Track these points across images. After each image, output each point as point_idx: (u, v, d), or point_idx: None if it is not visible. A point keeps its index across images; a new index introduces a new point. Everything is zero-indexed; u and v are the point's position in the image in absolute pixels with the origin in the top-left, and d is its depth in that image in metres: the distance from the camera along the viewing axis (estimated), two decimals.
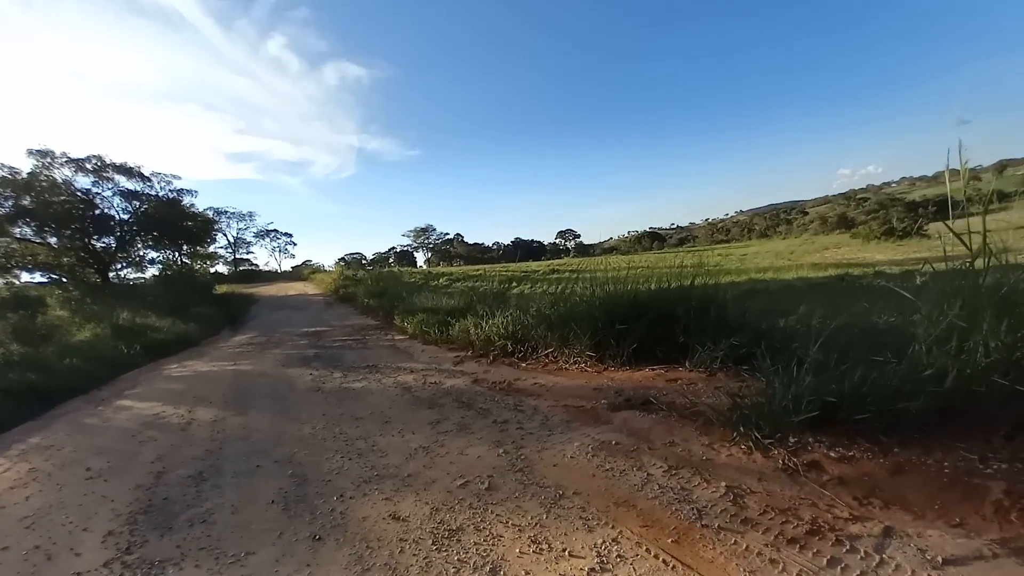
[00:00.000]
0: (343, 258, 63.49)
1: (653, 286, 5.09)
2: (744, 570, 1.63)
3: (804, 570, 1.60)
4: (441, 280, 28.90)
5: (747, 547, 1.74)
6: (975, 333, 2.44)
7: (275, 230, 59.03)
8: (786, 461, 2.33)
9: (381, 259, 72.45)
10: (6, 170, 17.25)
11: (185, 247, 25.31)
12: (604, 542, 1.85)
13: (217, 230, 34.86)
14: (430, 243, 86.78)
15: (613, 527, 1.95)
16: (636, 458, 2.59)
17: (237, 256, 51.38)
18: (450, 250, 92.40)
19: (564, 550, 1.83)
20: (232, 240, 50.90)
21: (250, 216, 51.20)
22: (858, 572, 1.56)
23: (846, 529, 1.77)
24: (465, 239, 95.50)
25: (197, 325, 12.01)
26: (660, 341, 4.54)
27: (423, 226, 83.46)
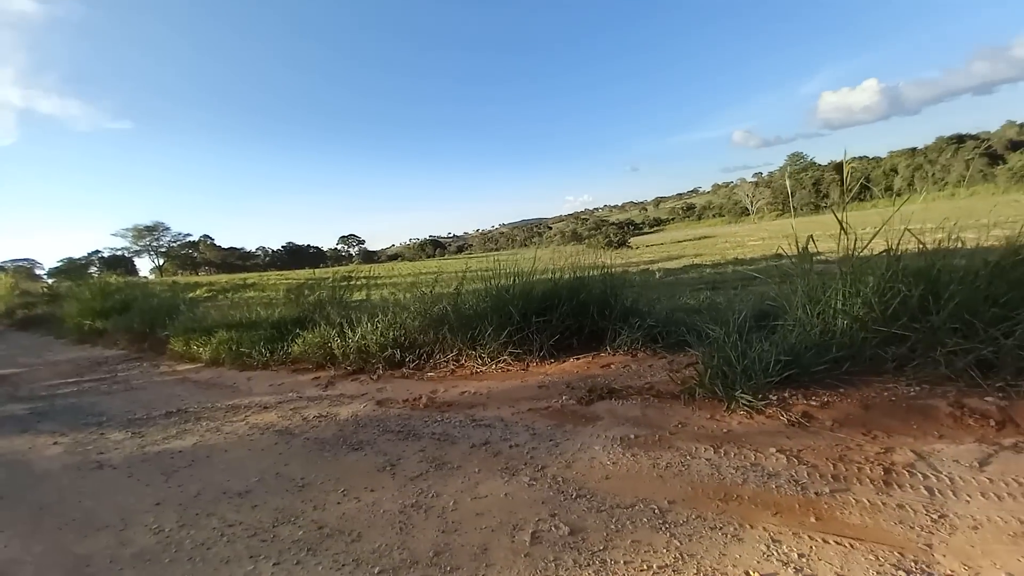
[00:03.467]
0: (1, 266, 42.11)
1: (539, 278, 5.11)
2: (896, 521, 1.68)
3: (912, 501, 1.77)
4: (199, 292, 22.55)
5: (864, 500, 1.82)
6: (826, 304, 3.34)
7: None
8: (788, 417, 2.61)
9: (76, 267, 51.63)
10: None
11: None
12: (769, 548, 1.62)
13: None
14: (161, 246, 66.84)
15: (751, 527, 1.74)
16: (671, 446, 2.45)
17: None
18: (194, 255, 73.68)
19: (748, 573, 1.51)
20: None
21: None
22: (941, 488, 1.82)
23: (892, 459, 2.07)
24: (216, 242, 77.81)
25: None
26: (573, 332, 4.57)
27: (149, 224, 63.48)
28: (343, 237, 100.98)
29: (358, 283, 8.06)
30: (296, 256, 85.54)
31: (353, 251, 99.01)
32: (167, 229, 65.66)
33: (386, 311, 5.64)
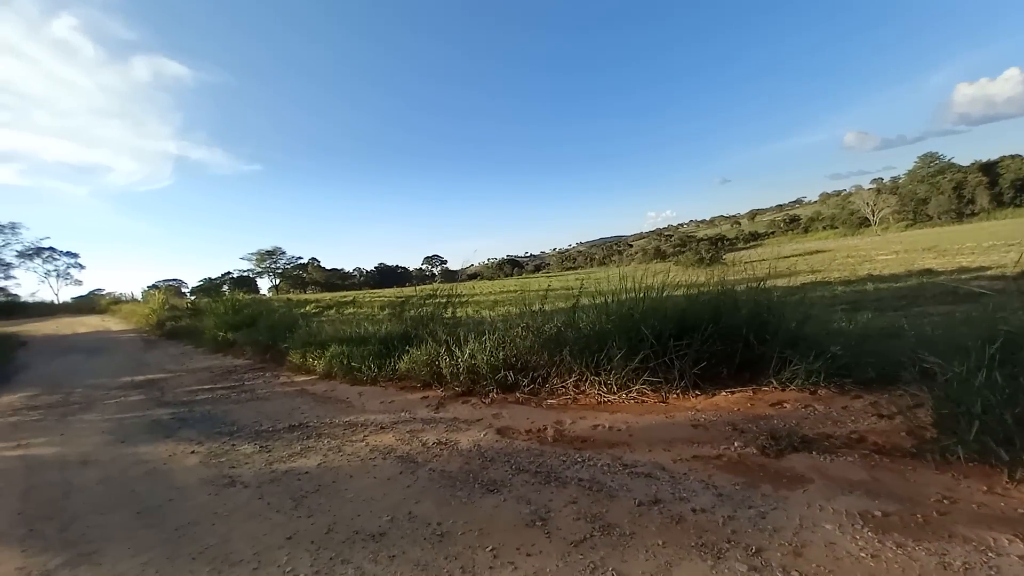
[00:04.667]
0: (155, 285, 50.59)
1: (687, 295, 4.41)
2: None
3: None
4: (309, 308, 24.79)
5: None
6: None
7: (51, 248, 44.09)
8: None
9: (212, 286, 60.28)
10: None
11: None
12: None
13: None
14: (278, 268, 75.92)
15: None
16: (951, 534, 1.68)
17: None
18: (304, 276, 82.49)
19: None
20: None
21: (11, 228, 36.99)
22: None
23: None
24: (321, 263, 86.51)
25: None
26: (720, 359, 3.83)
27: (269, 248, 72.63)
28: (427, 258, 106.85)
29: (456, 300, 7.95)
30: (386, 276, 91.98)
31: (436, 270, 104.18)
32: (283, 253, 74.83)
33: (494, 329, 5.33)
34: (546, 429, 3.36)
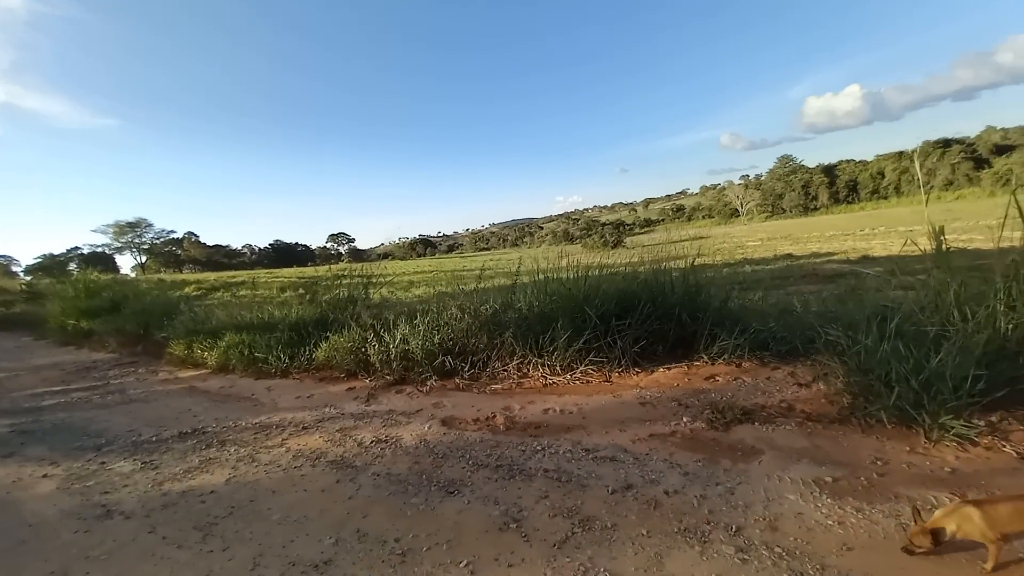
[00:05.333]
0: None
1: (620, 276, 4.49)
2: None
3: None
4: (189, 290, 21.47)
5: None
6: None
7: None
8: (1016, 449, 2.04)
9: (55, 264, 49.66)
10: None
11: None
12: None
13: None
14: (143, 243, 64.64)
15: None
16: (896, 494, 1.85)
17: None
18: (178, 253, 71.60)
19: None
20: None
21: None
22: None
23: None
24: (201, 239, 75.68)
25: None
26: (656, 337, 3.97)
27: (131, 220, 61.32)
28: (332, 235, 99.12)
29: (376, 280, 7.31)
30: (284, 254, 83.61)
31: (343, 249, 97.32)
32: (150, 226, 63.44)
33: (426, 311, 4.96)
34: (495, 417, 3.18)
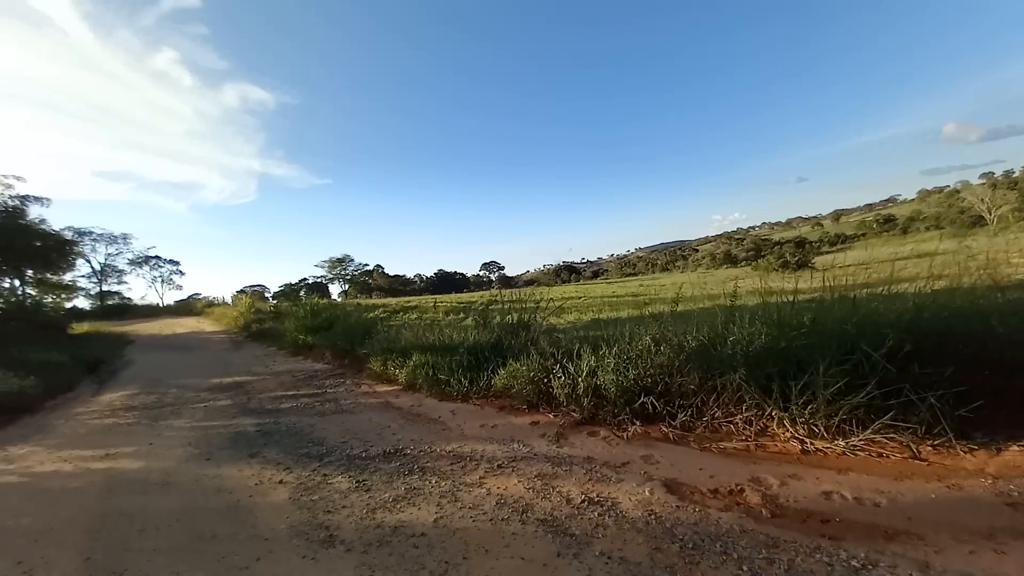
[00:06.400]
0: (243, 290, 55.05)
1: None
2: None
3: None
4: (377, 312, 25.26)
5: None
6: None
7: (157, 257, 49.30)
8: None
9: (291, 291, 64.51)
10: None
11: (30, 274, 18.68)
12: None
13: (77, 254, 27.00)
14: (347, 274, 80.00)
15: None
16: None
17: (104, 288, 41.19)
18: (369, 282, 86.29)
19: None
20: (99, 268, 40.81)
21: (123, 239, 41.64)
22: None
23: None
24: (385, 270, 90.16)
25: (39, 379, 7.62)
26: (982, 392, 2.61)
27: (339, 256, 76.81)
28: (485, 264, 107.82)
29: (547, 306, 7.06)
30: (445, 282, 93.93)
31: (493, 276, 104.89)
32: (352, 260, 78.78)
33: (611, 341, 4.38)
34: (743, 491, 2.36)
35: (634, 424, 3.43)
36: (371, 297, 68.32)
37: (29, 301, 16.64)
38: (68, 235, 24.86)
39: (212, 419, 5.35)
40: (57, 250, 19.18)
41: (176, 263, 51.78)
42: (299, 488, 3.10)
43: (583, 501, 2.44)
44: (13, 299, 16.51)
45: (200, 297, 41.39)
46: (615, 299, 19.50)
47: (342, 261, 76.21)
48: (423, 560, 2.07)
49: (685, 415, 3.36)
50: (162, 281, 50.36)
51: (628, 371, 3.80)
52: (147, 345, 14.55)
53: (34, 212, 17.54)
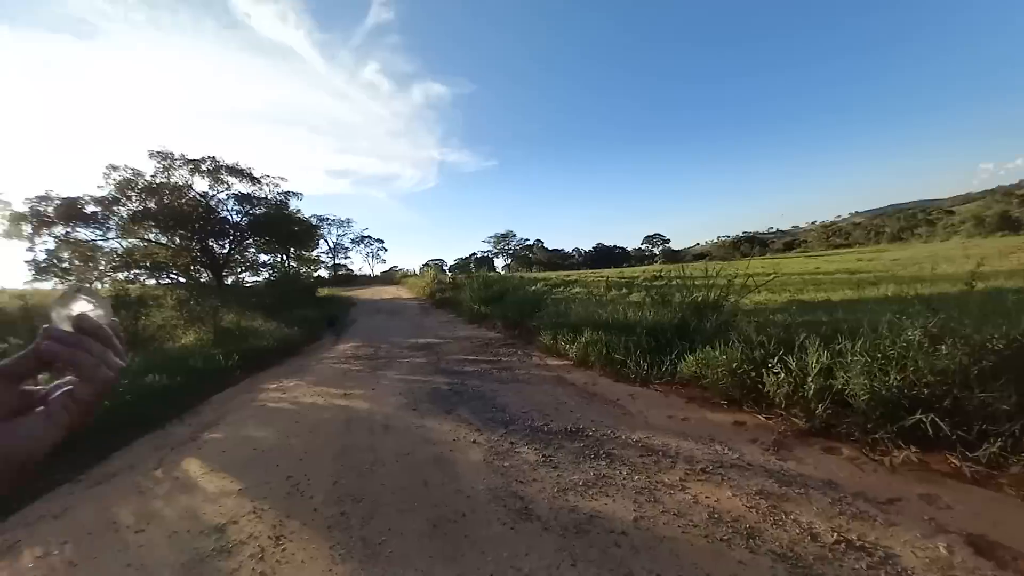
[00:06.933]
0: (427, 264, 64.14)
1: None
2: None
3: None
4: (539, 286, 26.22)
5: None
6: None
7: (369, 236, 61.14)
8: None
9: (463, 264, 72.29)
10: (130, 172, 17.57)
11: (291, 250, 25.24)
12: None
13: (319, 235, 35.53)
14: (510, 249, 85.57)
15: None
16: None
17: (336, 261, 53.44)
18: (530, 256, 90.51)
19: None
20: (332, 246, 53.12)
21: (347, 223, 53.19)
22: None
23: None
24: (545, 245, 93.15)
25: (300, 329, 10.29)
26: None
27: (504, 232, 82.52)
28: (648, 237, 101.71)
29: (733, 284, 6.01)
30: (604, 256, 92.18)
31: (656, 250, 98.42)
32: (514, 236, 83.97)
33: (852, 333, 3.38)
34: None
35: (902, 448, 2.55)
36: (531, 271, 71.71)
37: (292, 272, 22.30)
38: (313, 221, 32.52)
39: (414, 374, 6.17)
40: (308, 232, 25.18)
41: (381, 241, 63.13)
42: (491, 452, 3.24)
43: (837, 542, 1.87)
44: (283, 270, 22.37)
45: (398, 269, 49.76)
46: (821, 276, 15.95)
47: (505, 236, 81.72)
48: (628, 563, 1.86)
49: (992, 446, 2.34)
50: (372, 256, 62.12)
51: (888, 375, 2.86)
52: (364, 307, 18.00)
53: (293, 204, 23.29)
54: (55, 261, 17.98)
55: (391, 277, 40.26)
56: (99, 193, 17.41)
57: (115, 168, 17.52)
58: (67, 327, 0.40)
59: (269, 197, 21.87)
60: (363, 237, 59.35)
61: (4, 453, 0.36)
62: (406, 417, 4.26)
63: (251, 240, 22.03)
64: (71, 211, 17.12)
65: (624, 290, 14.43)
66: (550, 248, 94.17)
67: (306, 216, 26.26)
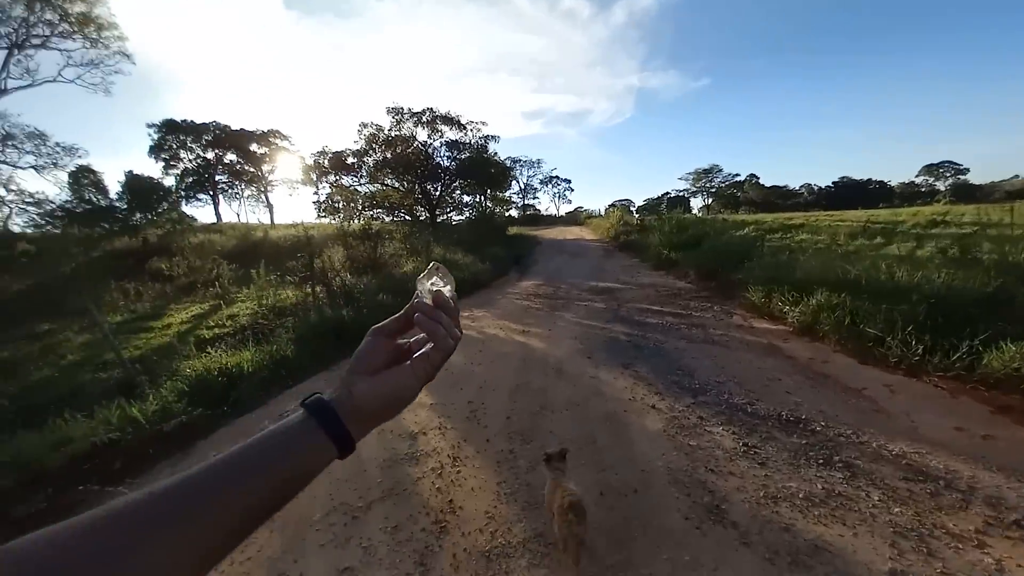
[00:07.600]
0: (614, 204, 61.86)
1: None
2: None
3: None
4: (748, 231, 22.36)
5: None
6: None
7: (557, 177, 62.24)
8: None
9: (652, 205, 67.39)
10: (374, 127, 21.50)
11: (488, 192, 27.68)
12: None
13: (512, 177, 37.88)
14: (712, 187, 75.01)
15: None
16: None
17: (525, 201, 56.76)
18: (738, 195, 77.90)
19: None
20: (522, 186, 56.35)
21: (537, 163, 55.05)
22: None
23: None
24: (760, 180, 78.28)
25: (490, 265, 11.24)
26: None
27: (706, 167, 72.37)
28: (930, 166, 73.30)
29: None
30: (850, 193, 71.89)
31: (942, 185, 70.71)
32: (720, 171, 72.81)
33: None
34: None
35: None
36: (738, 212, 62.05)
37: (487, 211, 24.44)
38: (508, 163, 34.56)
39: (591, 319, 5.94)
40: (503, 174, 26.91)
41: (568, 181, 63.45)
42: (673, 423, 2.77)
43: None
44: (480, 210, 24.70)
45: (583, 210, 49.68)
46: None
47: (708, 172, 71.71)
48: None
49: None
50: (558, 196, 63.41)
51: None
52: (547, 247, 18.57)
53: (491, 148, 24.98)
54: (331, 202, 23.93)
55: (575, 217, 40.56)
56: (354, 147, 22.03)
57: (364, 125, 21.71)
58: (428, 300, 0.48)
59: (472, 142, 23.93)
60: (551, 178, 60.75)
61: (398, 392, 0.45)
62: (580, 364, 4.08)
63: (457, 183, 24.83)
64: (338, 162, 22.22)
65: (878, 239, 10.92)
66: (767, 185, 78.87)
67: (501, 159, 28.02)
